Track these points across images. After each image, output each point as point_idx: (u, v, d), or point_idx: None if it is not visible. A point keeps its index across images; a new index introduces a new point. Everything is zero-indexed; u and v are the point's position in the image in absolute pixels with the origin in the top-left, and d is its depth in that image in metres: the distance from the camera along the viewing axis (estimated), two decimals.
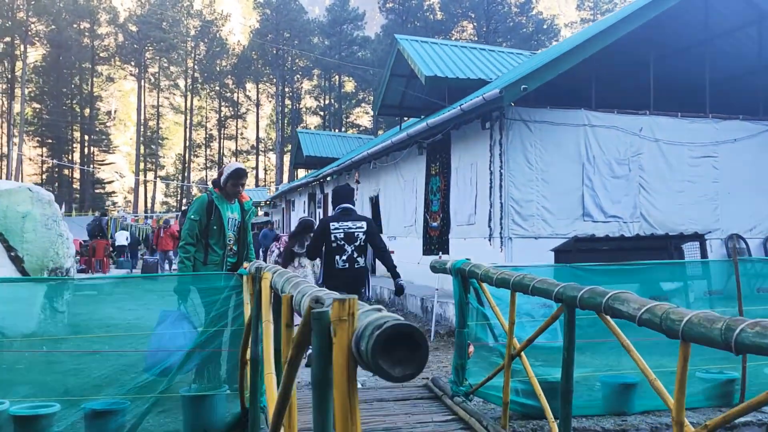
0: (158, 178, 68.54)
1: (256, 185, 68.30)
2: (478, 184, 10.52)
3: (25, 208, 8.76)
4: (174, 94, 71.09)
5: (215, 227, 5.21)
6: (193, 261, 5.18)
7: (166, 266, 19.16)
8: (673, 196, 10.29)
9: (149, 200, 70.71)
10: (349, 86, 66.78)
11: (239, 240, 5.37)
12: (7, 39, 60.15)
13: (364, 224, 5.73)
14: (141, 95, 64.77)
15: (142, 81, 65.33)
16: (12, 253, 8.46)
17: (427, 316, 10.38)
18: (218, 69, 67.98)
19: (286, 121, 66.19)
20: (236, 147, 71.34)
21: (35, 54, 65.15)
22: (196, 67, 68.88)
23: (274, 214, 33.35)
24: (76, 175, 64.79)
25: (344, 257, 5.60)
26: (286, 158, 60.39)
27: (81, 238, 25.14)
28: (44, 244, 8.75)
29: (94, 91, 67.26)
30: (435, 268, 5.02)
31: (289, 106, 67.84)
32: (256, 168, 71.32)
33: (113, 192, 71.11)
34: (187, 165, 68.50)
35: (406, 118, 18.40)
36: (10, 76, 61.43)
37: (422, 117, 15.79)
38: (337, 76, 66.15)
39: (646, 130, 10.29)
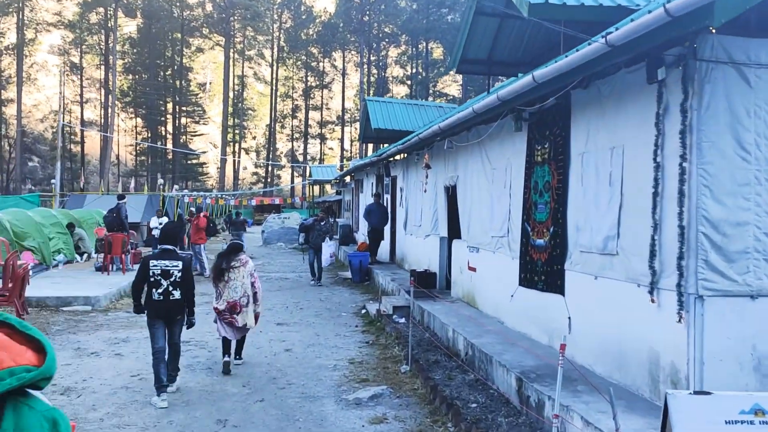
0: (242, 150, 66.34)
1: (342, 157, 64.67)
2: (625, 185, 5.62)
3: None
4: (260, 64, 68.33)
5: None
6: None
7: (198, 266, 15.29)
8: None
9: (241, 171, 68.82)
10: (438, 53, 61.32)
11: None
12: (101, 9, 58.87)
13: (179, 263, 6.46)
14: (228, 66, 62.13)
15: (230, 51, 62.64)
16: None
17: (528, 418, 5.69)
18: (304, 37, 64.25)
19: (372, 91, 61.74)
20: (321, 118, 67.81)
21: (129, 27, 63.91)
22: (281, 36, 65.53)
23: (345, 193, 29.21)
24: (169, 145, 63.41)
25: (159, 290, 6.33)
26: None
27: (141, 221, 21.90)
28: None
29: (184, 62, 65.43)
30: None
31: (375, 75, 63.28)
32: (342, 139, 67.59)
33: (205, 163, 69.65)
34: (272, 136, 65.76)
35: (499, 80, 13.42)
36: (104, 47, 60.37)
37: (520, 76, 10.79)
38: (424, 43, 60.80)
39: None
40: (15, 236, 13.22)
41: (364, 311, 11.40)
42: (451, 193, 11.28)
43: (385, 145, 19.78)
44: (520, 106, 7.16)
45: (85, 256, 16.51)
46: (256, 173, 71.50)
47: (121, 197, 15.33)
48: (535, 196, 7.49)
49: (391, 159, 16.15)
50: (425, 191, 11.97)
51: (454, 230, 11.21)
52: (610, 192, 5.85)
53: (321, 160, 66.80)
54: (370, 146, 53.73)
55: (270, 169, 67.52)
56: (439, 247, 11.84)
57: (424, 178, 11.72)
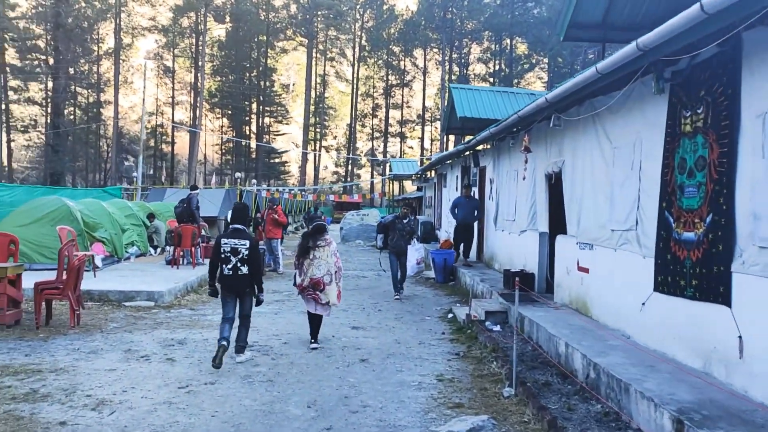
0: (323, 148, 66.13)
1: (422, 155, 63.24)
2: None
3: None
4: (341, 63, 67.95)
5: None
6: None
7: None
8: None
9: (321, 170, 68.83)
10: (521, 49, 58.77)
11: None
12: (192, 14, 60.19)
13: (247, 242, 6.85)
14: (310, 65, 62.08)
15: (312, 51, 62.57)
16: None
17: None
18: (385, 36, 63.27)
19: (449, 93, 59.86)
20: (402, 116, 66.65)
21: (219, 31, 65.10)
22: (363, 35, 64.86)
23: (426, 189, 27.68)
24: (253, 144, 64.10)
25: (229, 266, 6.79)
26: None
27: (218, 216, 21.33)
28: None
29: (269, 63, 65.98)
30: None
31: (457, 73, 61.39)
32: (422, 138, 66.16)
33: (286, 162, 70.11)
34: (353, 135, 65.17)
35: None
36: (194, 50, 61.71)
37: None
38: (508, 40, 58.39)
39: None
40: (86, 226, 12.57)
41: (450, 316, 9.86)
42: (554, 182, 9.55)
43: (468, 138, 18.12)
44: (666, 56, 5.40)
45: (159, 249, 15.86)
46: (336, 172, 71.32)
47: (193, 188, 14.48)
48: (682, 176, 5.71)
49: (480, 148, 14.51)
50: (524, 178, 10.27)
51: (557, 224, 9.50)
52: None
53: None
54: (451, 144, 51.95)
55: (350, 168, 67.04)
56: (537, 244, 10.13)
57: (523, 164, 10.02)
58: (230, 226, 7.09)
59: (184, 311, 9.82)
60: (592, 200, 7.89)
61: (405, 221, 12.03)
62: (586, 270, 8.02)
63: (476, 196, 14.60)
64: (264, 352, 7.36)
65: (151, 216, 15.74)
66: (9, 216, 12.45)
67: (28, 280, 8.77)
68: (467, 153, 15.39)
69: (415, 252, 12.24)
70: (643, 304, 6.32)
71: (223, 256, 6.79)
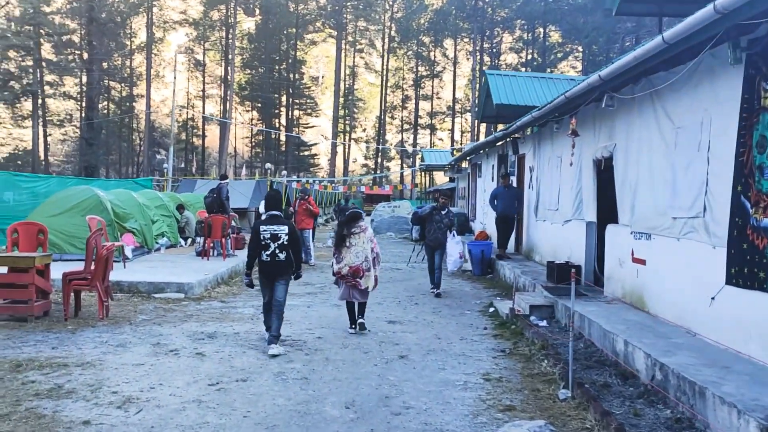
0: (352, 140, 65.80)
1: (452, 147, 62.44)
2: None
3: None
4: (371, 54, 67.44)
5: None
6: None
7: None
8: None
9: (351, 163, 68.56)
10: (555, 37, 57.42)
11: None
12: (222, 7, 60.29)
13: (286, 228, 6.95)
14: (339, 57, 61.72)
15: (341, 42, 62.18)
16: None
17: None
18: (415, 27, 62.51)
19: (483, 79, 58.88)
20: (432, 108, 65.88)
21: (248, 22, 65.17)
22: (393, 26, 64.21)
23: (459, 180, 27.08)
24: (283, 137, 64.08)
25: (268, 252, 6.85)
26: None
27: (249, 207, 21.14)
28: None
29: (298, 55, 65.84)
30: None
31: (488, 63, 60.32)
32: (452, 130, 65.30)
33: (316, 154, 70.00)
34: (382, 128, 64.68)
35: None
36: (224, 43, 61.85)
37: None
38: (541, 28, 57.10)
39: None
40: (116, 217, 12.37)
41: (492, 310, 9.36)
42: (603, 167, 8.97)
43: (500, 127, 17.46)
44: (747, 20, 4.81)
45: (189, 240, 15.66)
46: (365, 165, 70.96)
47: (223, 177, 14.22)
48: (761, 156, 5.12)
49: (517, 136, 13.91)
50: (570, 164, 9.69)
51: (607, 213, 8.92)
52: None
53: None
54: (482, 135, 51.09)
55: (379, 160, 66.60)
56: (584, 235, 9.54)
57: (569, 149, 9.44)
58: (266, 213, 7.12)
59: (214, 303, 9.52)
60: (650, 186, 7.30)
61: (443, 212, 11.04)
62: (642, 261, 7.44)
63: (515, 185, 14.02)
64: (297, 347, 6.98)
65: (180, 207, 15.53)
66: (40, 206, 12.34)
67: (59, 271, 8.54)
68: (505, 140, 14.80)
69: (456, 245, 11.31)
70: (713, 298, 5.75)
71: (263, 243, 6.83)
